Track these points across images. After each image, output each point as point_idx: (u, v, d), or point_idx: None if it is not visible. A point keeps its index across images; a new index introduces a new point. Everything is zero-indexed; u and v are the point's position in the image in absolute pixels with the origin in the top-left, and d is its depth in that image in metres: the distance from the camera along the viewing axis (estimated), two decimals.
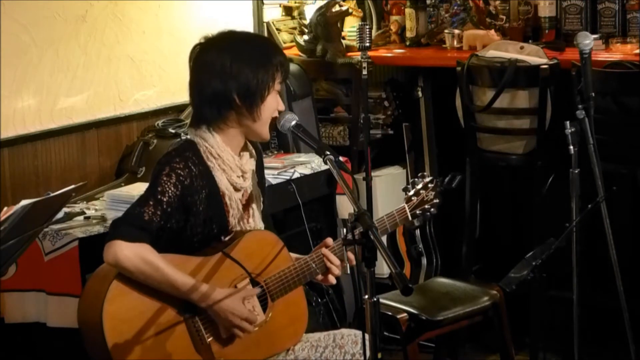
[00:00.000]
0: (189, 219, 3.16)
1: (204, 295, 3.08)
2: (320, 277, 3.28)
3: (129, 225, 3.06)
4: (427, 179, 3.40)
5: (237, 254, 3.18)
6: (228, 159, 3.21)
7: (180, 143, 3.32)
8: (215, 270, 3.14)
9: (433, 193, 3.38)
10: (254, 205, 3.33)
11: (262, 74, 3.19)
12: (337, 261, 3.25)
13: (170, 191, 3.10)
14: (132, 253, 3.03)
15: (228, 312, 3.10)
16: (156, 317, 3.08)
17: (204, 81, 3.20)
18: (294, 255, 3.31)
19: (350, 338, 3.33)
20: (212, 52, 3.22)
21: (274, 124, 3.27)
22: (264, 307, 3.21)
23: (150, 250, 3.06)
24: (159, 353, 3.07)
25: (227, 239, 3.22)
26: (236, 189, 3.25)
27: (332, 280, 3.29)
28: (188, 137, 3.27)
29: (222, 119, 3.21)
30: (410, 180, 3.43)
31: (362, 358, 3.22)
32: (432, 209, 3.39)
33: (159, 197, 3.09)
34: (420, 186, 3.39)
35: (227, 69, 3.17)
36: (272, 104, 3.23)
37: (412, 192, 3.38)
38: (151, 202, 3.09)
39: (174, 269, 3.07)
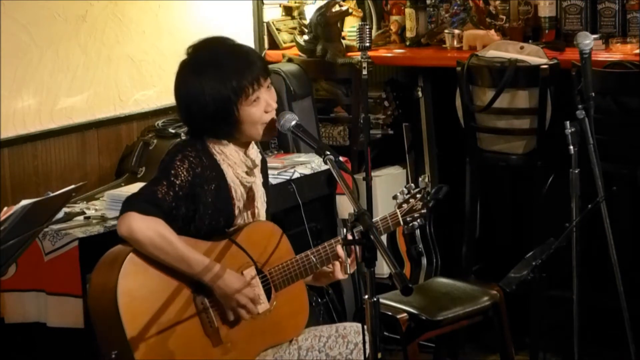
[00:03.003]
0: (197, 208, 3.19)
1: (214, 273, 3.11)
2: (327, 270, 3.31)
3: (142, 201, 3.10)
4: (415, 190, 3.42)
5: (243, 242, 3.22)
6: (232, 154, 3.24)
7: (189, 138, 3.34)
8: (222, 256, 3.18)
9: (421, 203, 3.40)
10: (258, 204, 3.35)
11: (219, 96, 3.17)
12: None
13: (182, 175, 3.14)
14: (145, 225, 3.06)
15: (235, 291, 3.12)
16: (168, 296, 3.11)
17: (178, 104, 3.26)
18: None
19: (353, 329, 3.36)
20: (182, 75, 3.24)
21: (274, 125, 3.27)
22: (268, 297, 3.24)
23: (163, 224, 3.09)
24: (168, 334, 3.10)
25: (231, 229, 3.25)
26: (242, 185, 3.28)
27: (339, 275, 3.32)
28: None
29: (212, 135, 3.24)
30: (400, 190, 3.44)
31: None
32: (419, 219, 3.41)
33: (172, 179, 3.13)
34: (408, 196, 3.40)
35: (189, 100, 3.20)
36: (254, 114, 3.21)
37: (401, 200, 3.40)
38: (164, 183, 3.13)
39: (186, 245, 3.11)
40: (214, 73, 3.19)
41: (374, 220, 3.37)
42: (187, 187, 3.15)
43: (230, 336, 3.19)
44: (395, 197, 3.42)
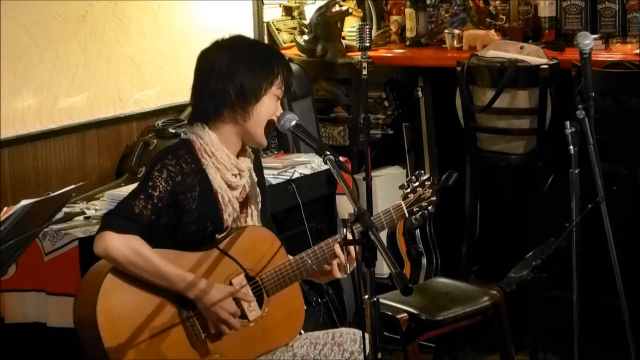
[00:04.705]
0: (182, 216, 3.16)
1: (193, 286, 3.09)
2: (325, 268, 3.28)
3: (119, 218, 3.09)
4: (424, 177, 3.39)
5: (232, 250, 3.19)
6: (222, 158, 3.22)
7: (175, 142, 3.33)
8: (210, 265, 3.15)
9: (430, 190, 3.37)
10: (252, 205, 3.33)
11: (259, 73, 3.21)
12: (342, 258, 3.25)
13: (161, 186, 3.12)
14: (121, 244, 3.05)
15: (216, 305, 3.10)
16: (151, 312, 3.09)
17: (202, 79, 3.25)
18: (291, 257, 3.30)
19: (349, 336, 3.32)
20: (214, 51, 3.27)
21: (272, 129, 3.27)
22: (260, 303, 3.21)
23: (140, 241, 3.07)
24: (154, 349, 3.08)
25: (221, 236, 3.23)
26: (231, 187, 3.25)
27: (337, 274, 3.29)
28: (184, 136, 3.28)
29: (218, 115, 3.22)
30: (407, 178, 3.42)
31: (361, 356, 3.22)
32: (429, 207, 3.37)
33: (150, 191, 3.11)
34: (417, 183, 3.37)
35: (225, 68, 3.21)
36: (269, 106, 3.24)
37: (408, 190, 3.37)
38: (142, 196, 3.11)
39: (164, 261, 3.09)
40: (261, 51, 3.31)
41: (376, 213, 3.35)
42: (167, 197, 3.12)
43: (219, 347, 3.16)
44: (402, 187, 3.39)
